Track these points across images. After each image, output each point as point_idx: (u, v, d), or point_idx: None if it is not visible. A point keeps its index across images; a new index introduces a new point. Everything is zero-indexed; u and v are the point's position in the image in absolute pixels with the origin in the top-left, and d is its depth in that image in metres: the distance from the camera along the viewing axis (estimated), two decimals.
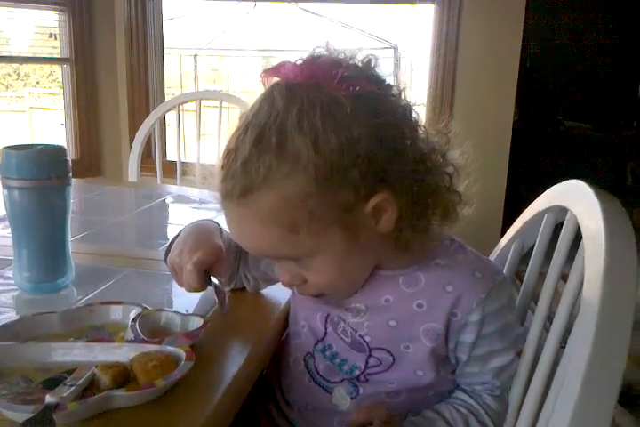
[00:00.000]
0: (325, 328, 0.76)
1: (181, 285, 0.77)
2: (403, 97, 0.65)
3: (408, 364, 0.72)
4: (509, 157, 2.54)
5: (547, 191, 0.81)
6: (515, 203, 2.25)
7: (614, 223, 0.59)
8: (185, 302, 0.83)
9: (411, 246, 0.67)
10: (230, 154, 0.62)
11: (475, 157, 0.69)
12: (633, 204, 3.84)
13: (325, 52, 0.63)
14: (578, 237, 0.67)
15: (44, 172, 0.81)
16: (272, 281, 0.83)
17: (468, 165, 0.69)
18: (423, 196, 0.65)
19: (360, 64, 0.64)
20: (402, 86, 0.65)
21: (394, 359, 0.72)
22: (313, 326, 0.77)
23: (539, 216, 0.81)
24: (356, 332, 0.73)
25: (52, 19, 2.67)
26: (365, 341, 0.73)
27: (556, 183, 0.78)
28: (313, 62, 0.62)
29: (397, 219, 0.64)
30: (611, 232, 0.58)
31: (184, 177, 2.02)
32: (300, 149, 0.58)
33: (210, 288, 0.76)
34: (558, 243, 0.72)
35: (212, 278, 0.77)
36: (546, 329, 0.70)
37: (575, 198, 0.69)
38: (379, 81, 0.64)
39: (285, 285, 0.71)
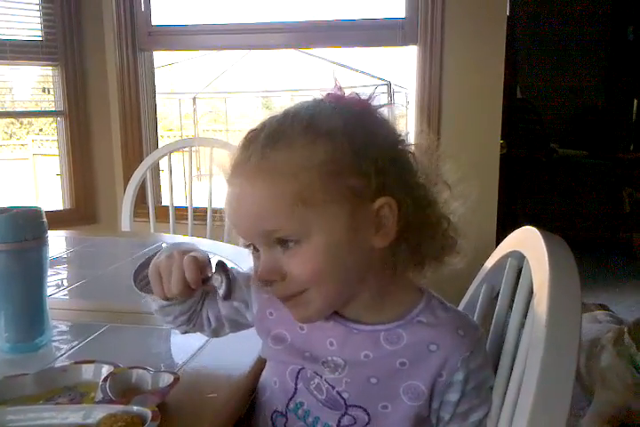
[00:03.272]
0: (295, 384, 0.73)
1: (161, 294, 0.73)
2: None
3: (384, 425, 0.70)
4: (502, 188, 2.57)
5: (508, 236, 0.83)
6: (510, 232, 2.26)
7: (559, 271, 0.60)
8: (162, 354, 0.84)
9: (397, 277, 0.69)
10: (259, 128, 0.67)
11: (464, 196, 0.71)
12: (632, 229, 3.86)
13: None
14: None
15: (19, 234, 0.83)
16: (239, 326, 0.81)
17: (458, 207, 0.71)
18: (421, 227, 0.68)
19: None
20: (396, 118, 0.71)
21: (369, 419, 0.70)
22: (282, 381, 0.74)
23: (503, 260, 0.83)
24: (333, 388, 0.71)
25: (45, 74, 2.75)
26: (343, 397, 0.70)
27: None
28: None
29: (393, 240, 0.66)
30: (555, 279, 0.59)
31: (178, 222, 2.06)
32: (330, 125, 0.65)
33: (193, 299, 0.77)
34: (517, 290, 0.73)
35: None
36: None
37: (528, 244, 0.71)
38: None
39: (261, 279, 0.67)
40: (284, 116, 0.68)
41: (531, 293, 0.70)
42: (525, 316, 0.69)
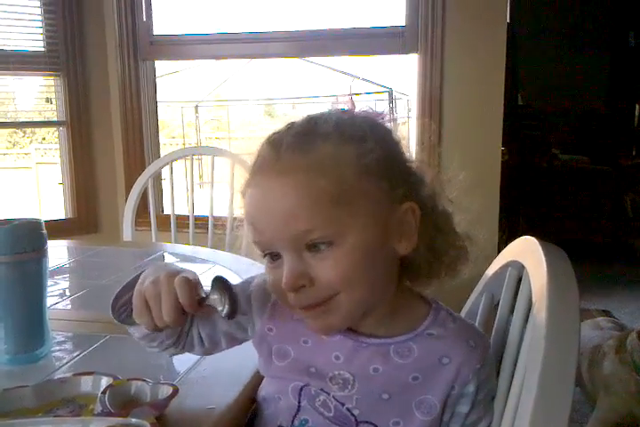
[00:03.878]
0: (299, 402, 0.71)
1: (151, 325, 0.65)
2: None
3: None
4: (503, 195, 2.57)
5: (508, 246, 0.82)
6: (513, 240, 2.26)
7: (557, 281, 0.60)
8: (161, 366, 0.84)
9: (408, 289, 0.70)
10: (283, 131, 0.67)
11: (467, 209, 0.73)
12: (634, 235, 3.85)
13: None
14: None
15: (19, 246, 0.84)
16: (236, 341, 0.77)
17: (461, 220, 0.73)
18: (438, 234, 0.69)
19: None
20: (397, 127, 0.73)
21: None
22: (285, 398, 0.72)
23: (503, 270, 0.83)
24: (343, 405, 0.69)
25: (48, 84, 2.77)
26: (353, 414, 0.69)
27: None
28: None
29: (414, 248, 0.67)
30: (553, 289, 0.59)
31: (180, 230, 2.06)
32: (359, 129, 0.66)
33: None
34: (517, 300, 0.73)
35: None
36: None
37: (527, 254, 0.71)
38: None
39: (289, 285, 0.63)
40: (309, 119, 0.68)
41: (530, 302, 0.70)
42: (525, 326, 0.69)
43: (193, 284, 0.64)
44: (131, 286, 0.68)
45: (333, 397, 0.69)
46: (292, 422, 0.71)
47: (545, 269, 0.63)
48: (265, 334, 0.74)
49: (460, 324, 0.73)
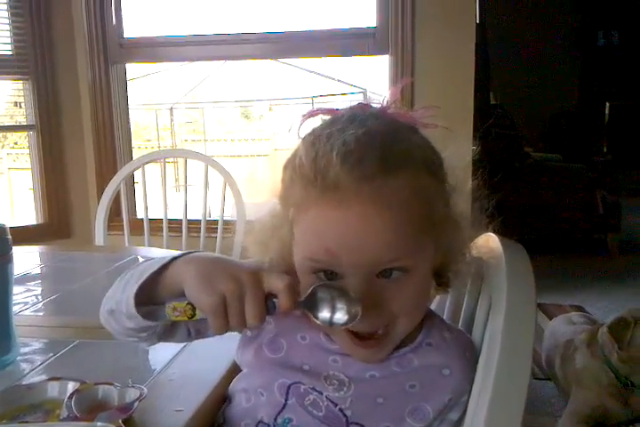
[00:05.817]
0: (285, 399, 0.70)
1: (223, 328, 0.60)
2: None
3: None
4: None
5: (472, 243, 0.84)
6: None
7: (515, 279, 0.62)
8: (130, 369, 0.84)
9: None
10: (349, 141, 0.61)
11: None
12: (606, 230, 3.92)
13: None
14: None
15: None
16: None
17: None
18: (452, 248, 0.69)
19: None
20: None
21: None
22: (270, 394, 0.71)
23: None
24: (335, 405, 0.68)
25: (16, 88, 2.74)
26: (345, 415, 0.69)
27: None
28: None
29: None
30: (511, 286, 0.60)
31: (153, 234, 2.05)
32: (416, 153, 0.65)
33: None
34: (479, 298, 0.74)
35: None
36: None
37: (488, 251, 0.73)
38: None
39: (370, 326, 0.63)
40: (366, 134, 0.62)
41: (491, 299, 0.71)
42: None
43: (297, 287, 0.61)
44: (154, 275, 0.63)
45: (326, 397, 0.69)
46: (275, 419, 0.70)
47: (504, 265, 0.65)
48: (262, 326, 0.71)
49: (455, 334, 0.74)
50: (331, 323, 0.61)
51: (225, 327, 0.60)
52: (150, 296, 0.64)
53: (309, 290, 0.61)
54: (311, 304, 0.61)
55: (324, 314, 0.60)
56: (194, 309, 0.60)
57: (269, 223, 0.70)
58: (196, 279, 0.60)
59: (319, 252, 0.62)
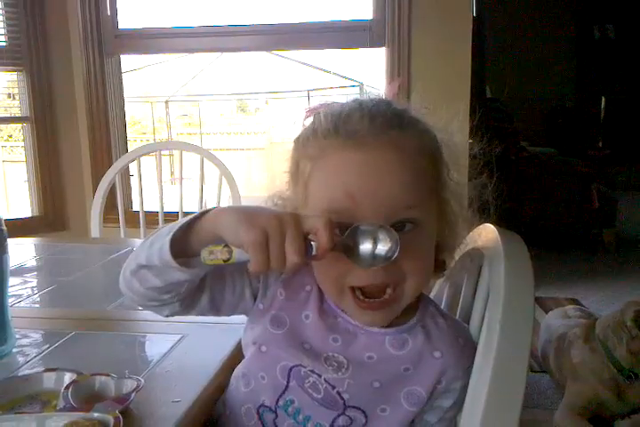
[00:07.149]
0: (287, 381, 0.71)
1: (264, 266, 0.58)
2: None
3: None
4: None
5: (469, 234, 0.83)
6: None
7: (514, 269, 0.61)
8: (127, 360, 0.84)
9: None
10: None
11: None
12: (601, 224, 3.93)
13: None
14: None
15: None
16: (236, 309, 0.74)
17: None
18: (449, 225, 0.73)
19: None
20: None
21: (366, 421, 0.71)
22: (272, 376, 0.72)
23: (464, 258, 0.84)
24: (333, 388, 0.70)
25: (11, 79, 2.72)
26: (342, 398, 0.70)
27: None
28: None
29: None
30: (509, 277, 0.60)
31: (149, 226, 2.04)
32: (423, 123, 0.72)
33: None
34: (477, 289, 0.74)
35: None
36: None
37: (486, 242, 0.73)
38: None
39: (382, 278, 0.65)
40: (378, 103, 0.70)
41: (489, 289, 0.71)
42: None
43: (334, 228, 0.60)
44: (186, 228, 0.63)
45: (324, 379, 0.70)
46: (277, 401, 0.72)
47: (502, 256, 0.64)
48: (274, 297, 0.72)
49: (448, 320, 0.75)
50: (374, 256, 0.61)
51: (266, 264, 0.58)
52: (182, 249, 0.63)
53: (349, 230, 0.61)
54: (352, 243, 0.61)
55: (367, 246, 0.61)
56: (230, 252, 0.59)
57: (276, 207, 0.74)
58: (235, 220, 0.59)
59: (339, 198, 0.64)
